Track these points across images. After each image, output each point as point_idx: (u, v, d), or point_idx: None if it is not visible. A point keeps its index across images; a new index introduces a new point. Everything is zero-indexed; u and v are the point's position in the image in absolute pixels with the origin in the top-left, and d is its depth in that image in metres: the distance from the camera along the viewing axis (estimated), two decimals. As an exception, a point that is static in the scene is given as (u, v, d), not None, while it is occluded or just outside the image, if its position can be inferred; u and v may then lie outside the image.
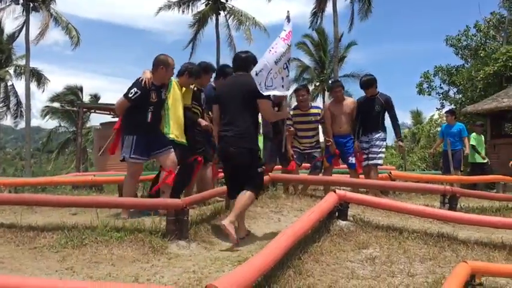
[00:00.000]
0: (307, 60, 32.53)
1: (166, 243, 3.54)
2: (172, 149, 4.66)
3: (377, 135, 6.32)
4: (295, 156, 6.36)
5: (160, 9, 26.90)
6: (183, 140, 4.90)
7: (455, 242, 4.00)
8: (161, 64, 4.61)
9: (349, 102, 6.51)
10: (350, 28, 25.36)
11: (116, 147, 4.83)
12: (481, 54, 18.97)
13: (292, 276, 2.96)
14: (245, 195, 3.86)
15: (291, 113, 6.44)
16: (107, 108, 14.41)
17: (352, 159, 6.39)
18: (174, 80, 4.94)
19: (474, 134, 9.93)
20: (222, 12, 27.97)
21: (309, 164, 6.74)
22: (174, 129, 4.78)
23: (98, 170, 12.81)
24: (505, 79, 16.62)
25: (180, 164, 4.80)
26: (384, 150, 6.46)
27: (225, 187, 4.52)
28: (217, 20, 27.77)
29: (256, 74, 3.96)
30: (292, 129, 6.34)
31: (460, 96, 19.89)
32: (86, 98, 33.45)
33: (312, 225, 3.63)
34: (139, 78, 4.58)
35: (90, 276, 2.92)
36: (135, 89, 4.50)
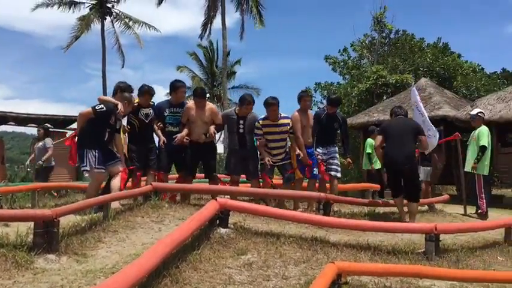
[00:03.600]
0: (197, 71, 32.79)
1: (32, 258, 3.26)
2: (119, 161, 5.69)
3: (334, 149, 6.78)
4: (268, 168, 6.32)
5: (37, 6, 25.17)
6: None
7: (327, 245, 4.27)
8: (126, 100, 5.69)
9: (310, 114, 6.72)
10: (241, 36, 25.98)
11: (75, 158, 5.76)
12: (356, 73, 20.65)
13: (169, 285, 2.93)
14: (415, 204, 6.02)
15: (260, 122, 6.36)
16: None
17: (316, 170, 6.52)
18: None
19: (369, 140, 9.95)
20: (108, 18, 26.90)
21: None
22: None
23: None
24: (375, 95, 18.26)
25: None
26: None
27: (101, 197, 4.86)
28: (102, 25, 26.65)
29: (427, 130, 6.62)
30: (263, 139, 6.29)
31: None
32: None
33: (192, 233, 3.62)
34: (107, 101, 5.62)
35: None
36: (103, 105, 5.45)
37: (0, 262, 3.17)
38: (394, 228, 4.85)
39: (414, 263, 3.96)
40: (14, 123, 13.42)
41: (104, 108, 5.44)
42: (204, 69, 32.86)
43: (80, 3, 26.28)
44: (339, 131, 7.06)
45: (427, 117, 6.93)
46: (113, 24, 27.16)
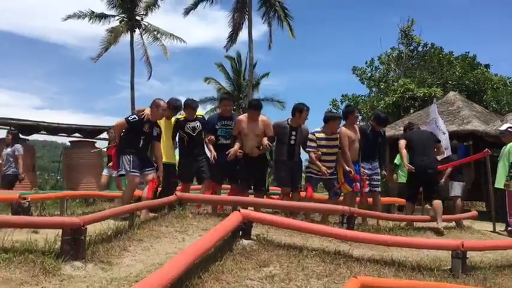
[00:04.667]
0: (224, 83, 33.15)
1: (59, 265, 3.34)
2: (154, 170, 5.90)
3: (376, 164, 6.95)
4: (313, 182, 6.39)
5: (69, 16, 25.91)
6: (168, 160, 6.30)
7: (351, 259, 4.22)
8: (154, 105, 5.89)
9: (357, 128, 6.78)
10: (269, 47, 26.12)
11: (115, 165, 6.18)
12: (382, 86, 20.49)
13: (191, 295, 2.94)
14: (438, 201, 6.47)
15: (316, 135, 6.39)
16: (2, 123, 12.87)
17: (358, 185, 6.55)
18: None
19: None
20: (137, 30, 27.51)
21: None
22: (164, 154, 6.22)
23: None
24: (402, 109, 18.04)
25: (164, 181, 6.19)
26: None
27: (128, 206, 4.90)
28: (131, 37, 27.24)
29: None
30: (318, 153, 6.30)
31: (363, 124, 21.23)
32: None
33: (214, 244, 3.64)
34: (141, 111, 5.91)
35: (-32, 301, 2.68)
36: (135, 115, 5.85)
37: (29, 268, 3.26)
38: (420, 245, 4.77)
39: (440, 280, 3.89)
40: (45, 133, 13.80)
41: (136, 118, 5.79)
42: (231, 80, 33.16)
43: (110, 15, 26.95)
44: None
45: (442, 131, 7.90)
46: (141, 37, 27.74)
